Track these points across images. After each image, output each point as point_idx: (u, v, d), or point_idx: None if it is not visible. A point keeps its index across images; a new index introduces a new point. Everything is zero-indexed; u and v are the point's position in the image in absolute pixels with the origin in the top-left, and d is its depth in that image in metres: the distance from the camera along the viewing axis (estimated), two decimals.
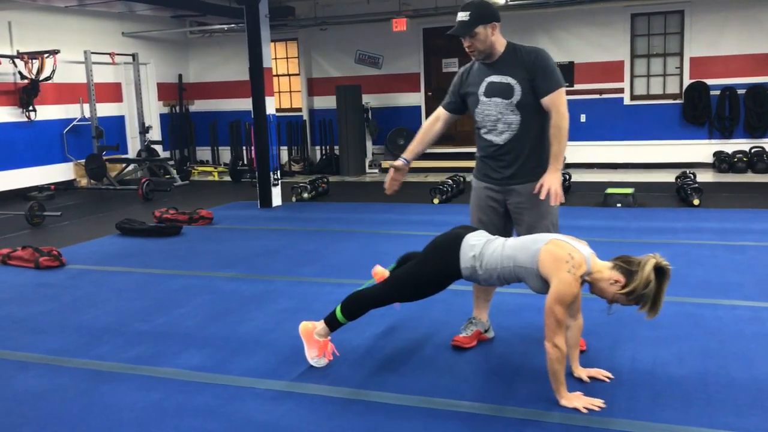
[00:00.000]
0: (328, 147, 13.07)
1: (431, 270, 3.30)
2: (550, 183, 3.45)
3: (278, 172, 8.94)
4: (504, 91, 3.54)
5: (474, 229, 3.44)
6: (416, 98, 12.79)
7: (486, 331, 3.88)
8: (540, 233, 3.32)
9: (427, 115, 12.57)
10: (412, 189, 9.81)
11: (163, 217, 7.61)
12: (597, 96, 11.79)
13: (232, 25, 12.33)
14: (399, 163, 3.79)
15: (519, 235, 3.64)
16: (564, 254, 3.04)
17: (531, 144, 3.59)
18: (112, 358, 3.80)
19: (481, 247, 3.21)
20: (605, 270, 3.02)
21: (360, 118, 12.30)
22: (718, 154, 11.03)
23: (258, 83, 8.55)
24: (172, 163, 12.66)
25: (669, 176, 9.95)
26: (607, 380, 3.27)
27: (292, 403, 3.17)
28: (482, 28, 3.48)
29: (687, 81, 11.29)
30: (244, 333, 4.15)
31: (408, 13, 11.14)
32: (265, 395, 3.28)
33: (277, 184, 8.85)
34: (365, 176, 12.19)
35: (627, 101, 11.72)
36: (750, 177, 10.33)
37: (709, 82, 11.10)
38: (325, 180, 9.99)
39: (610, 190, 8.23)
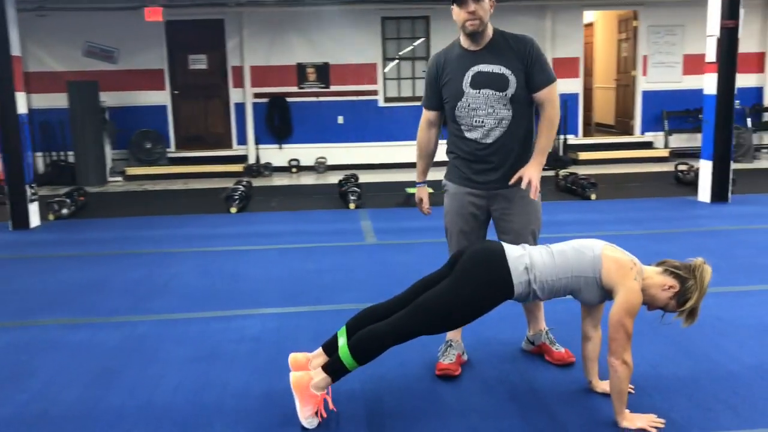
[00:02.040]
0: (56, 153, 11.13)
1: (475, 291, 2.77)
2: (531, 175, 3.13)
3: (34, 185, 7.26)
4: (496, 82, 3.15)
5: (490, 240, 3.02)
6: (161, 97, 11.50)
7: (463, 353, 3.46)
8: (570, 242, 2.99)
9: (176, 115, 11.53)
10: (173, 198, 8.88)
11: None
12: (353, 98, 11.81)
13: None
14: (422, 192, 3.56)
15: None
16: (627, 260, 2.78)
17: (521, 143, 3.26)
18: None
19: (528, 257, 2.79)
20: (655, 275, 2.83)
21: (99, 119, 10.68)
22: None
23: (6, 75, 6.83)
24: None
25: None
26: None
27: None
28: None
29: None
30: (161, 403, 3.14)
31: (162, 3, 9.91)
32: None
33: (35, 200, 7.19)
34: (107, 186, 10.62)
35: (381, 103, 11.93)
36: None
37: None
38: (83, 192, 8.43)
39: (410, 190, 8.21)
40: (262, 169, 11.28)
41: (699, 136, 11.79)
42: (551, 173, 8.84)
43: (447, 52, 3.31)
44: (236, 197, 8.02)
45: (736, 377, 3.20)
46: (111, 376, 3.43)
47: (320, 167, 11.70)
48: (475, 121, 3.20)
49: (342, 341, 2.88)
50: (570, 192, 8.54)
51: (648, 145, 12.14)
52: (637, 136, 12.31)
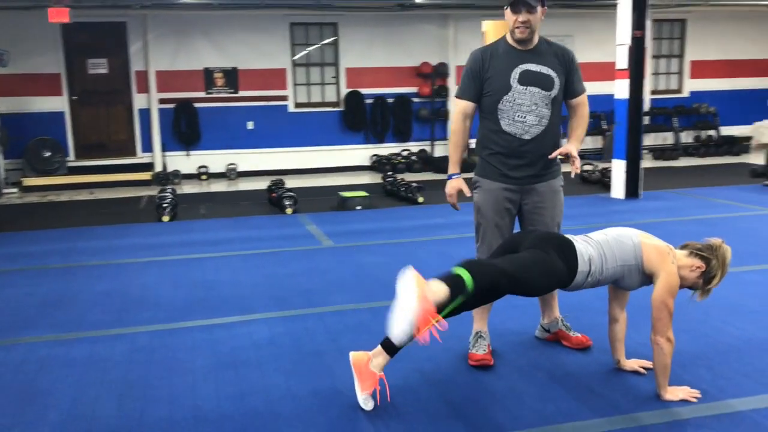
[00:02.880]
0: None
1: (561, 265, 2.91)
2: (572, 151, 3.35)
3: None
4: (544, 82, 3.35)
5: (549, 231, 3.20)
6: (58, 103, 10.83)
7: (489, 343, 3.61)
8: (600, 231, 3.22)
9: (75, 122, 10.89)
10: (86, 209, 8.55)
11: None
12: (264, 103, 11.69)
13: None
14: (459, 183, 3.54)
15: None
16: (664, 246, 3.05)
17: (553, 141, 3.47)
18: None
19: (586, 249, 2.98)
20: (684, 258, 3.10)
21: None
22: (374, 157, 12.05)
23: None
24: None
25: (332, 180, 10.47)
26: (645, 371, 3.34)
27: None
28: (541, 7, 3.25)
29: (344, 90, 11.98)
30: (210, 411, 3.07)
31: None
32: None
33: None
34: (1, 198, 9.88)
35: (291, 108, 11.89)
36: (420, 177, 11.31)
37: (364, 91, 11.98)
38: None
39: (346, 194, 8.29)
40: (171, 177, 10.90)
41: (596, 138, 12.82)
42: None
43: (493, 48, 3.45)
44: (166, 205, 7.75)
45: (737, 350, 3.56)
46: (139, 387, 3.29)
47: (231, 174, 11.49)
48: (518, 116, 3.36)
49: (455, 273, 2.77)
50: None
51: None
52: None
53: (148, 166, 11.26)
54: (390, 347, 2.98)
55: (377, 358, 3.01)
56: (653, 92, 13.25)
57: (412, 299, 2.57)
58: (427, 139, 12.36)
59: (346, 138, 12.12)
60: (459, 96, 3.52)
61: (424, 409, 3.01)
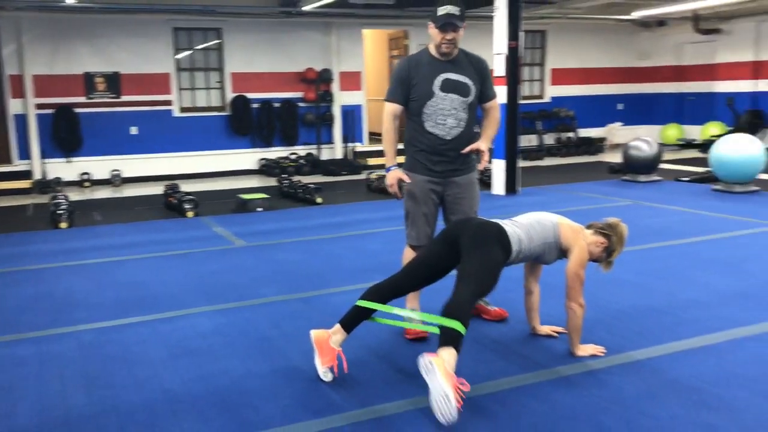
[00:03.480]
0: None
1: (501, 255, 3.36)
2: (482, 147, 3.88)
3: None
4: (462, 89, 3.82)
5: (480, 218, 3.65)
6: None
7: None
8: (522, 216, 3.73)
9: None
10: None
11: None
12: (148, 108, 11.56)
13: None
14: (399, 173, 3.89)
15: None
16: (577, 226, 3.61)
17: (469, 140, 3.95)
18: None
19: (515, 231, 3.47)
20: (590, 236, 3.68)
21: None
22: (262, 161, 12.24)
23: None
24: None
25: (223, 184, 10.62)
26: (557, 335, 3.90)
27: None
28: (463, 24, 3.70)
29: (230, 95, 12.08)
30: (183, 393, 3.30)
31: None
32: None
33: None
34: None
35: (176, 113, 11.84)
36: (311, 179, 11.65)
37: (250, 96, 12.14)
38: None
39: (245, 196, 8.48)
40: (53, 185, 10.56)
41: None
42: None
43: (418, 57, 3.89)
44: (62, 212, 7.62)
45: (626, 314, 4.20)
46: (102, 378, 3.44)
47: (116, 180, 11.29)
48: (440, 119, 3.82)
49: (447, 322, 3.04)
50: (384, 193, 9.42)
51: None
52: None
53: (26, 174, 10.84)
54: (348, 324, 3.34)
55: (336, 335, 3.36)
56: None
57: (443, 383, 2.78)
58: (313, 143, 12.70)
59: (234, 142, 12.23)
60: (389, 99, 3.93)
61: (378, 377, 3.39)
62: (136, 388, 3.32)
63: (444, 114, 3.82)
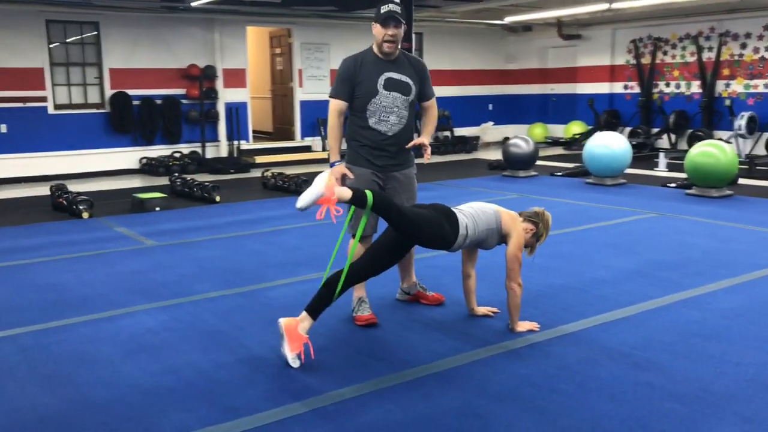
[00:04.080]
0: None
1: (449, 228, 3.66)
2: (425, 142, 4.15)
3: None
4: (403, 88, 4.06)
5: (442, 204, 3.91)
6: None
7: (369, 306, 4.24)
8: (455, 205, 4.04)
9: None
10: None
11: None
12: (20, 105, 10.90)
13: None
14: (342, 168, 4.07)
15: None
16: (515, 214, 3.95)
17: (408, 137, 4.20)
18: None
19: (462, 218, 3.75)
20: (521, 223, 4.05)
21: None
22: (144, 160, 11.89)
23: None
24: None
25: (111, 184, 10.30)
26: (493, 314, 4.24)
27: None
28: (403, 23, 3.94)
29: (109, 91, 11.63)
30: (157, 386, 3.31)
31: None
32: None
33: None
34: None
35: (51, 110, 11.25)
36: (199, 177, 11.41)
37: (130, 92, 11.74)
38: None
39: (142, 195, 8.26)
40: None
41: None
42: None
43: (363, 56, 4.07)
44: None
45: (546, 294, 4.63)
46: (60, 378, 3.37)
47: None
48: (383, 116, 4.04)
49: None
50: (283, 190, 9.50)
51: (308, 149, 13.68)
52: (298, 141, 13.77)
53: None
54: (314, 311, 3.50)
55: (304, 322, 3.51)
56: None
57: (322, 184, 3.34)
58: (197, 141, 12.47)
59: (114, 141, 11.79)
60: (334, 96, 4.11)
61: (342, 360, 3.57)
62: (103, 385, 3.29)
63: (387, 111, 4.05)
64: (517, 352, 3.67)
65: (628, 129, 14.34)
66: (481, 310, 4.24)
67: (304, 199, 3.34)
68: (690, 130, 13.29)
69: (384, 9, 3.94)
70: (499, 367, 3.47)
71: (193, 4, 10.88)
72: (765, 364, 3.43)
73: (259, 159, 12.58)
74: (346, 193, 3.44)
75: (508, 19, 14.08)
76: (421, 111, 4.34)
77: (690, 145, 12.86)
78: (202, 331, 4.01)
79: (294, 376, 3.37)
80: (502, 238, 3.95)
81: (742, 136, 12.06)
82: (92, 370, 3.47)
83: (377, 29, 4.00)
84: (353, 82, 4.04)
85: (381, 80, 4.02)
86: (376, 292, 4.60)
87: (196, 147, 12.46)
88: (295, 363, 3.45)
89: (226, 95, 12.72)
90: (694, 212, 7.40)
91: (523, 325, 3.97)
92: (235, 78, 12.84)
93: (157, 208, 8.13)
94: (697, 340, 3.77)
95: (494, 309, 4.27)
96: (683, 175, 9.26)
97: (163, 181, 10.75)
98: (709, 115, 13.10)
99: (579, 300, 4.51)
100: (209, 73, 12.38)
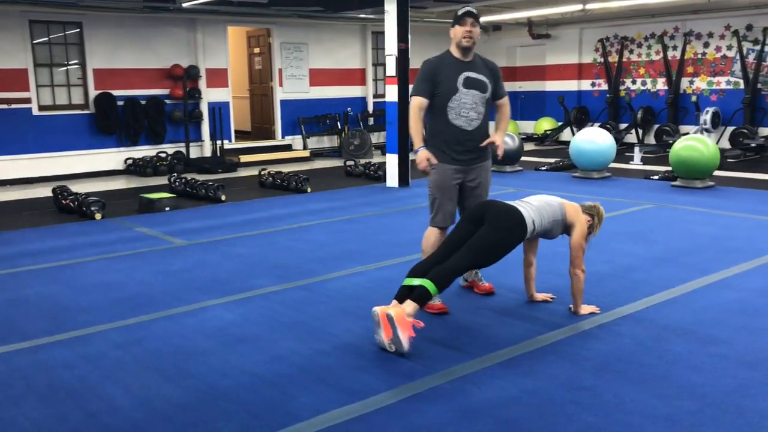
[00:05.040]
0: None
1: (509, 236, 3.91)
2: (498, 140, 4.45)
3: None
4: (481, 86, 4.35)
5: (501, 201, 4.16)
6: None
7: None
8: (533, 196, 4.31)
9: None
10: None
11: None
12: (5, 106, 10.72)
13: None
14: (428, 153, 4.32)
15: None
16: (577, 206, 4.26)
17: (486, 131, 4.50)
18: None
19: (529, 213, 4.03)
20: (582, 215, 4.36)
21: None
22: (129, 161, 11.83)
23: None
24: None
25: (91, 186, 10.26)
26: (551, 300, 4.55)
27: None
28: (480, 28, 4.27)
29: (93, 92, 11.52)
30: (225, 387, 3.49)
31: None
32: None
33: None
34: None
35: (35, 111, 11.08)
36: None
37: (115, 93, 11.65)
38: None
39: (150, 196, 8.29)
40: None
41: (329, 138, 14.13)
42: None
43: (442, 58, 4.39)
44: None
45: (590, 282, 4.94)
46: (182, 369, 3.51)
47: None
48: (463, 112, 4.32)
49: (419, 281, 3.72)
50: (282, 188, 9.63)
51: (289, 147, 13.79)
52: (278, 140, 13.87)
53: None
54: (423, 300, 3.71)
55: (408, 308, 3.70)
56: (376, 96, 14.97)
57: (399, 332, 3.59)
58: (182, 141, 12.45)
59: (98, 141, 11.67)
60: (415, 94, 4.37)
61: (433, 345, 3.80)
62: (220, 375, 3.45)
63: (467, 108, 4.33)
64: (589, 332, 3.97)
65: (597, 125, 14.91)
66: (540, 296, 4.54)
67: (401, 344, 3.57)
68: (657, 125, 13.93)
69: (461, 10, 4.29)
70: (580, 345, 3.77)
71: (184, 5, 10.87)
72: None
73: (244, 158, 12.63)
74: (414, 310, 3.68)
75: (482, 20, 14.43)
76: (495, 109, 4.62)
77: (657, 139, 13.53)
78: (284, 323, 4.19)
79: (395, 360, 3.59)
80: (566, 228, 4.25)
81: (707, 130, 12.74)
82: (201, 361, 3.62)
83: (455, 30, 4.32)
84: (435, 81, 4.32)
85: (461, 79, 4.30)
86: None
87: (180, 147, 12.43)
88: (401, 348, 3.60)
89: (209, 95, 12.72)
90: (686, 202, 7.89)
91: (585, 308, 4.28)
92: (218, 78, 12.86)
93: (167, 208, 8.18)
94: (744, 317, 4.15)
95: (551, 294, 4.57)
96: (662, 168, 9.78)
97: (153, 181, 10.76)
98: (674, 111, 13.76)
99: (620, 285, 4.85)
100: (192, 73, 12.37)
